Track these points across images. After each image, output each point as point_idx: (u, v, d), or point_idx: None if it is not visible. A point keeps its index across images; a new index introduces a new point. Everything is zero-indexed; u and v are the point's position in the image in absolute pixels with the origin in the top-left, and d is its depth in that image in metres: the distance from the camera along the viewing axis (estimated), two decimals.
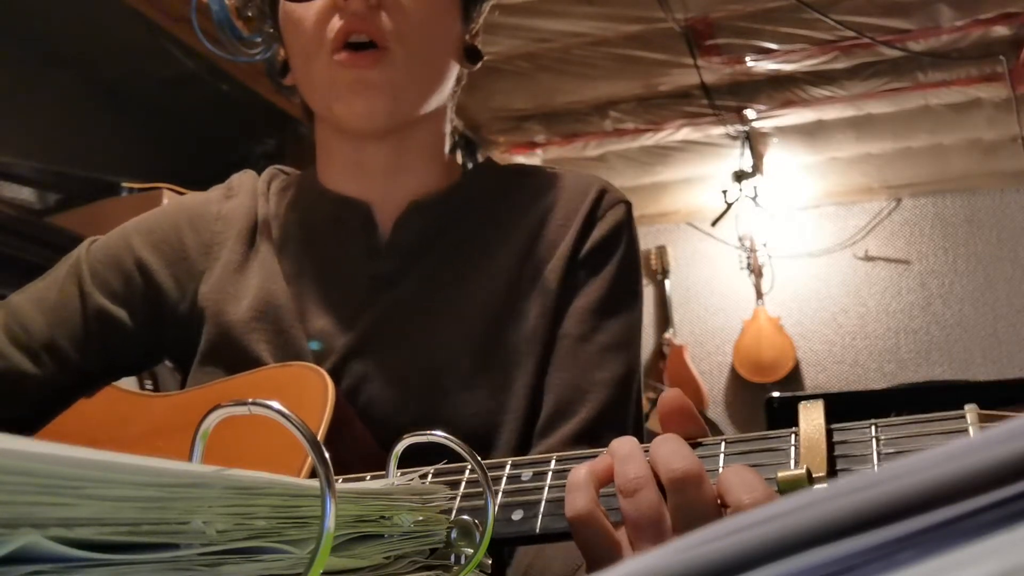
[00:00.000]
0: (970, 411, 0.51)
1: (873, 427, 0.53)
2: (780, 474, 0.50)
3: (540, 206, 0.91)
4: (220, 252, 0.92)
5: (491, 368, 0.85)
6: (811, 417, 0.54)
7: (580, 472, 0.54)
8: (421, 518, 0.47)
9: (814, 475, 0.50)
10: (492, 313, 0.86)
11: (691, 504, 0.49)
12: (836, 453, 0.53)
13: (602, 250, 0.89)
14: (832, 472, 0.52)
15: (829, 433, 0.53)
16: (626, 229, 0.91)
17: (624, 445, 0.54)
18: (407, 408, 0.83)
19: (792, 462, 0.53)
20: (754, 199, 4.20)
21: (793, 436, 0.55)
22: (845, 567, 0.18)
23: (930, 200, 4.48)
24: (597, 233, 0.89)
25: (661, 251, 4.65)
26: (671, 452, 0.52)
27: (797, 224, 4.58)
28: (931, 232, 4.47)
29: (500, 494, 0.59)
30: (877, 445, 0.52)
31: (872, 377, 4.38)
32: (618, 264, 0.89)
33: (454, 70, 0.92)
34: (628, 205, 0.93)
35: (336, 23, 0.83)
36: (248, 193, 0.96)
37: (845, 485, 0.19)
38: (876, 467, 0.51)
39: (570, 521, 0.52)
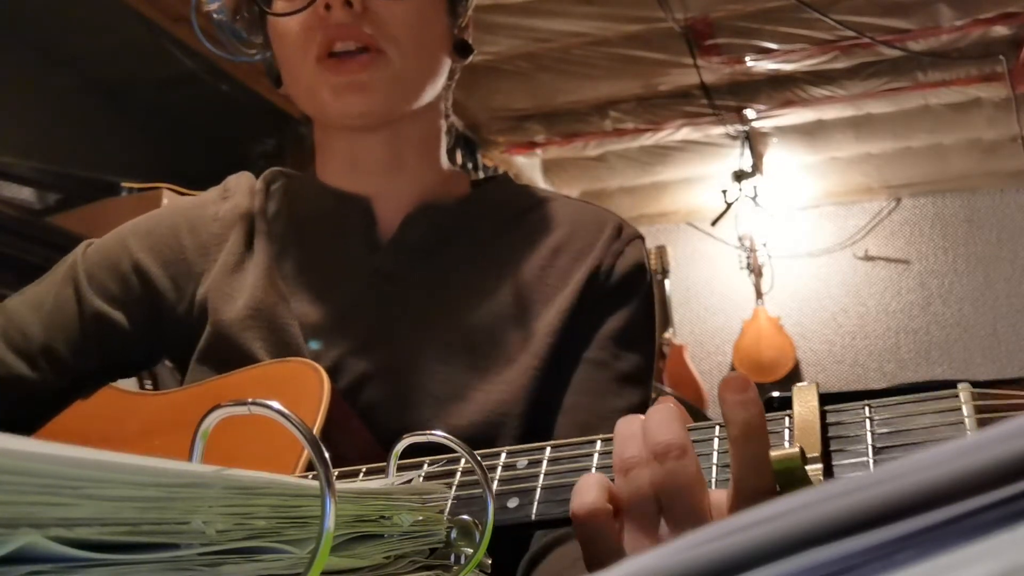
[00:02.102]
0: (963, 390, 0.50)
1: (867, 408, 0.53)
2: (773, 454, 0.49)
3: (556, 231, 0.93)
4: (218, 254, 0.92)
5: (493, 378, 0.85)
6: (805, 399, 0.53)
7: (592, 474, 0.54)
8: (421, 518, 0.47)
9: (808, 455, 0.50)
10: (498, 324, 0.87)
11: (673, 475, 0.50)
12: (830, 434, 0.52)
13: (627, 283, 0.91)
14: (826, 453, 0.51)
15: (823, 415, 0.53)
16: (647, 264, 0.95)
17: (629, 425, 0.55)
18: (406, 408, 0.83)
19: (786, 443, 0.53)
20: (754, 199, 4.20)
21: (787, 418, 0.55)
22: (845, 567, 0.18)
23: (930, 200, 4.48)
24: (622, 266, 0.92)
25: (661, 251, 4.64)
26: (658, 423, 0.53)
27: (797, 224, 4.58)
28: (931, 232, 4.47)
29: (496, 482, 0.59)
30: (871, 425, 0.52)
31: (872, 377, 4.38)
32: (641, 298, 0.92)
33: (445, 65, 0.93)
34: (643, 240, 0.96)
35: (320, 34, 0.84)
36: (244, 194, 0.96)
37: (844, 485, 0.19)
38: (870, 447, 0.51)
39: (574, 517, 0.52)
